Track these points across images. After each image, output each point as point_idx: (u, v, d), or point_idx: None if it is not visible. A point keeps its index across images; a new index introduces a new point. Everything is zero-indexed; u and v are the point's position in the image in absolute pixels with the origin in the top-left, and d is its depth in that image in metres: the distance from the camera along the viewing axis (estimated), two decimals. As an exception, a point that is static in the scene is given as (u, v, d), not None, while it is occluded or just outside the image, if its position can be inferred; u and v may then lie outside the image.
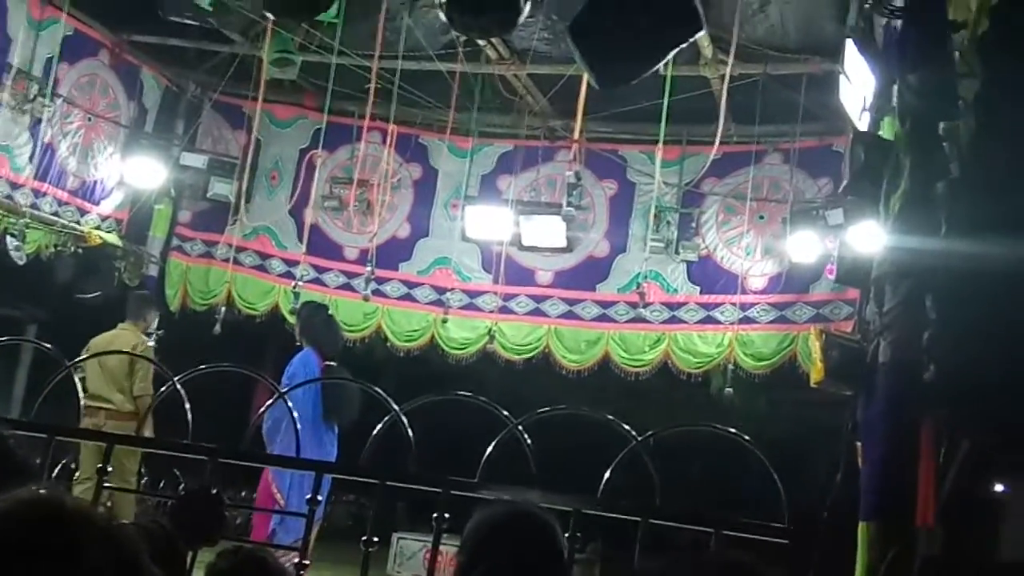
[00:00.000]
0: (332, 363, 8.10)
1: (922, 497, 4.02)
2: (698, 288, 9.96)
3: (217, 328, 10.11)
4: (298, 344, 8.27)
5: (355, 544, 3.89)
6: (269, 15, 7.26)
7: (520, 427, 3.99)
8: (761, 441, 3.98)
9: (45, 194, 9.61)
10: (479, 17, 4.64)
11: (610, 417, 4.08)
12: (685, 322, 9.92)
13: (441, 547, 3.90)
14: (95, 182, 10.19)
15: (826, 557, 4.13)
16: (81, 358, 4.06)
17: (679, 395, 10.58)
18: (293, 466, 5.03)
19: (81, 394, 3.97)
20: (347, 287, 10.63)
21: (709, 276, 9.95)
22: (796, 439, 11.23)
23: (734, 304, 9.72)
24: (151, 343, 8.46)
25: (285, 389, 4.44)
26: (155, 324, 9.06)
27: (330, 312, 9.08)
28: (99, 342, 8.10)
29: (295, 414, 4.16)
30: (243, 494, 10.90)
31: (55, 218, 9.75)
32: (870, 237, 5.27)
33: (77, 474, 7.94)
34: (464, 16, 4.67)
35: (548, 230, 9.93)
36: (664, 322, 9.96)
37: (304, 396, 7.22)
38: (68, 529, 1.20)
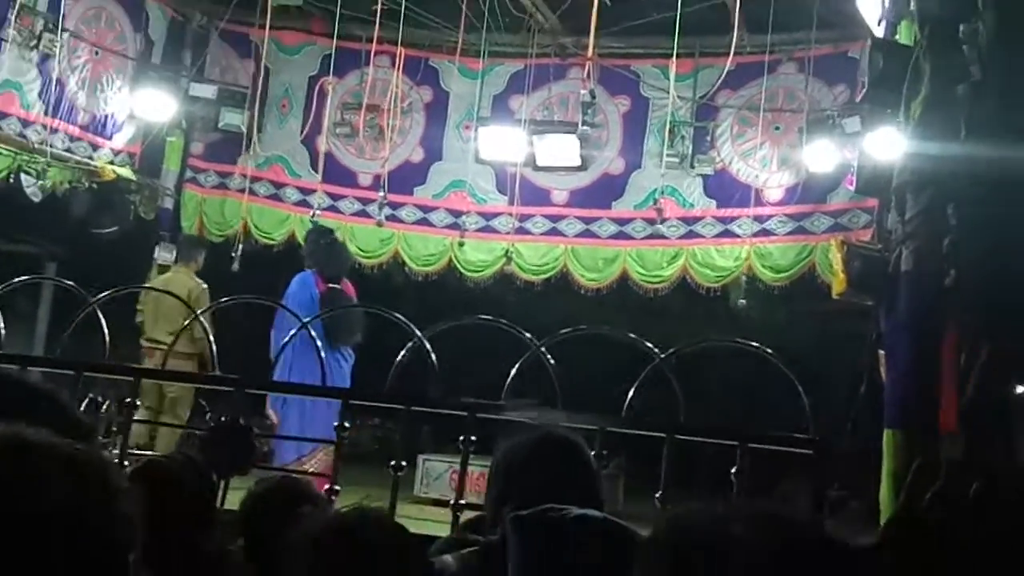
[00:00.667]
0: (334, 286, 8.14)
1: (945, 403, 4.02)
2: (714, 202, 9.91)
3: (235, 266, 10.09)
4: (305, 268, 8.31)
5: (381, 467, 3.93)
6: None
7: (543, 348, 4.00)
8: (782, 353, 3.99)
9: (57, 130, 9.57)
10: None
11: (632, 336, 4.10)
12: (702, 236, 9.89)
13: (468, 468, 3.95)
14: (106, 116, 10.14)
15: (851, 466, 4.15)
16: (104, 295, 4.06)
17: (698, 310, 10.57)
18: (318, 394, 5.06)
19: (103, 330, 3.99)
20: (363, 214, 10.60)
21: (725, 189, 9.88)
22: (817, 350, 11.22)
23: (751, 217, 9.66)
24: (204, 285, 8.60)
25: (307, 319, 4.45)
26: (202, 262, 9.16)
27: (335, 236, 9.07)
28: (155, 285, 8.27)
29: (318, 342, 4.17)
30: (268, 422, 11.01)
31: (68, 154, 9.73)
32: (889, 145, 5.19)
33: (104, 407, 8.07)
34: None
35: (562, 149, 9.84)
36: (681, 237, 9.93)
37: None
38: (29, 459, 1.17)
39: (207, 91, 10.44)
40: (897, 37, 5.56)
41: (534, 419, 3.45)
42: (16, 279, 4.53)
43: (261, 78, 10.64)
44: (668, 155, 9.77)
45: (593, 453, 3.83)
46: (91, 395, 9.34)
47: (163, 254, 10.42)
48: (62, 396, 1.69)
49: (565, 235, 10.31)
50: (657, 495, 3.65)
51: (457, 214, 10.52)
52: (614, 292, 10.22)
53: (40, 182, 9.20)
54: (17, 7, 8.90)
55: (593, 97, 9.33)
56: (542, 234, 10.38)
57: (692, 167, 9.86)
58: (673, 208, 9.94)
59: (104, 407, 9.43)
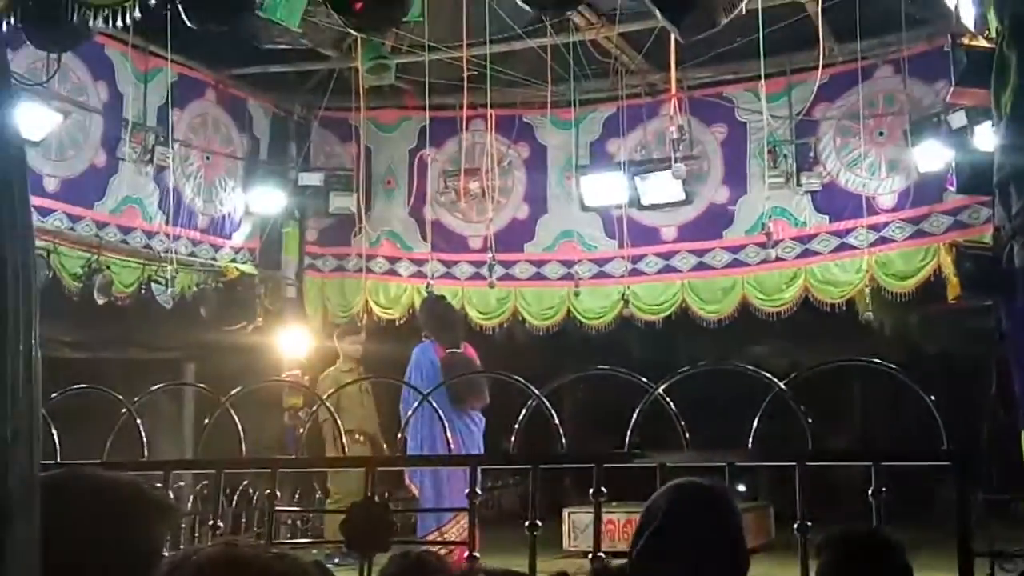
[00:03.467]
0: (455, 350, 8.25)
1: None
2: (827, 217, 9.75)
3: (362, 336, 10.27)
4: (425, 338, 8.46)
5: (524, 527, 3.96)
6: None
7: (661, 391, 4.00)
8: (922, 359, 3.91)
9: (179, 237, 10.02)
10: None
11: (749, 368, 4.06)
12: (819, 253, 9.74)
13: (611, 516, 3.97)
14: (223, 217, 10.60)
15: (996, 472, 4.03)
16: (233, 394, 4.22)
17: (826, 328, 10.38)
18: (447, 463, 5.15)
19: (238, 427, 4.15)
20: (477, 276, 10.77)
21: (836, 202, 9.72)
22: (959, 353, 10.88)
23: (866, 227, 9.48)
24: (344, 369, 9.65)
25: (429, 390, 4.56)
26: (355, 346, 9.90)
27: (447, 302, 9.25)
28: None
29: (440, 412, 4.27)
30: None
31: (192, 258, 10.19)
32: (987, 139, 5.07)
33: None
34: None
35: (665, 186, 9.88)
36: (798, 257, 9.80)
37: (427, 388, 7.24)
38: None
39: (314, 179, 10.85)
40: (989, 28, 5.44)
41: (657, 462, 3.46)
42: (154, 387, 4.75)
43: (363, 159, 10.96)
44: (772, 176, 9.67)
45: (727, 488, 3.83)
46: (242, 487, 9.69)
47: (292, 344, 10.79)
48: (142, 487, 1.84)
49: (679, 271, 10.30)
50: (796, 525, 3.60)
51: (569, 264, 10.61)
52: (738, 320, 10.12)
53: (170, 289, 9.64)
54: (130, 126, 9.41)
55: (682, 133, 9.35)
56: (656, 273, 10.39)
57: (799, 185, 9.74)
58: (785, 228, 9.83)
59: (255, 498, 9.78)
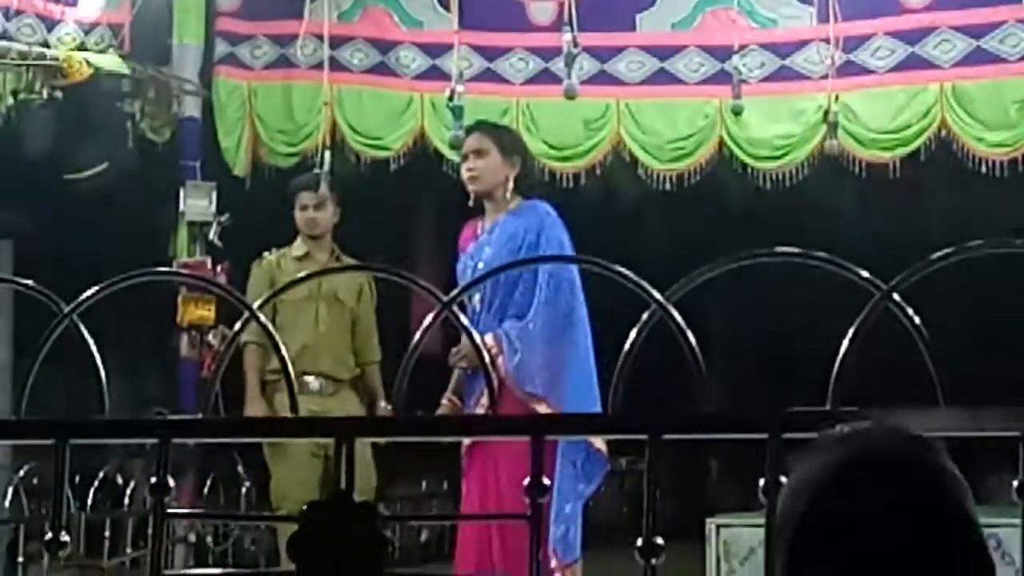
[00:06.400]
0: None
1: None
2: None
3: (324, 192, 9.93)
4: (472, 202, 8.36)
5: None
6: None
7: (895, 295, 3.96)
8: None
9: (-22, 5, 10.09)
10: None
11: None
12: None
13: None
14: (56, -33, 10.62)
15: None
16: (86, 298, 4.24)
17: None
18: (468, 432, 5.11)
19: (95, 361, 4.19)
20: (546, 76, 10.81)
21: None
22: None
23: None
24: (296, 255, 9.20)
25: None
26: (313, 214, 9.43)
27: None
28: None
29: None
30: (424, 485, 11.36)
31: (5, 44, 10.20)
32: None
33: None
34: None
35: None
36: None
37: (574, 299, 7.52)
38: None
39: None
40: None
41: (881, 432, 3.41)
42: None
43: None
44: None
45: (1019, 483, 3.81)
46: (104, 471, 9.89)
47: (194, 201, 10.78)
48: None
49: (936, 65, 10.23)
50: None
51: (723, 54, 10.55)
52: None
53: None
54: None
55: None
56: (890, 71, 10.33)
57: None
58: None
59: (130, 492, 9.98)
